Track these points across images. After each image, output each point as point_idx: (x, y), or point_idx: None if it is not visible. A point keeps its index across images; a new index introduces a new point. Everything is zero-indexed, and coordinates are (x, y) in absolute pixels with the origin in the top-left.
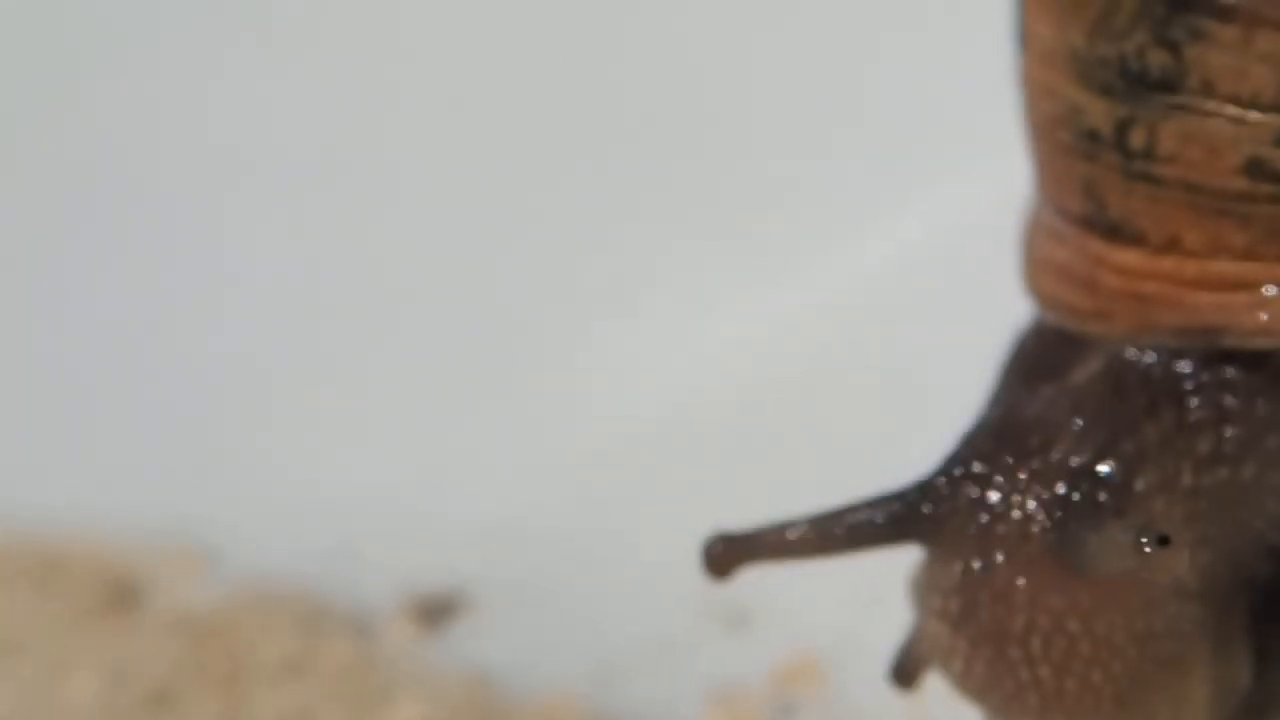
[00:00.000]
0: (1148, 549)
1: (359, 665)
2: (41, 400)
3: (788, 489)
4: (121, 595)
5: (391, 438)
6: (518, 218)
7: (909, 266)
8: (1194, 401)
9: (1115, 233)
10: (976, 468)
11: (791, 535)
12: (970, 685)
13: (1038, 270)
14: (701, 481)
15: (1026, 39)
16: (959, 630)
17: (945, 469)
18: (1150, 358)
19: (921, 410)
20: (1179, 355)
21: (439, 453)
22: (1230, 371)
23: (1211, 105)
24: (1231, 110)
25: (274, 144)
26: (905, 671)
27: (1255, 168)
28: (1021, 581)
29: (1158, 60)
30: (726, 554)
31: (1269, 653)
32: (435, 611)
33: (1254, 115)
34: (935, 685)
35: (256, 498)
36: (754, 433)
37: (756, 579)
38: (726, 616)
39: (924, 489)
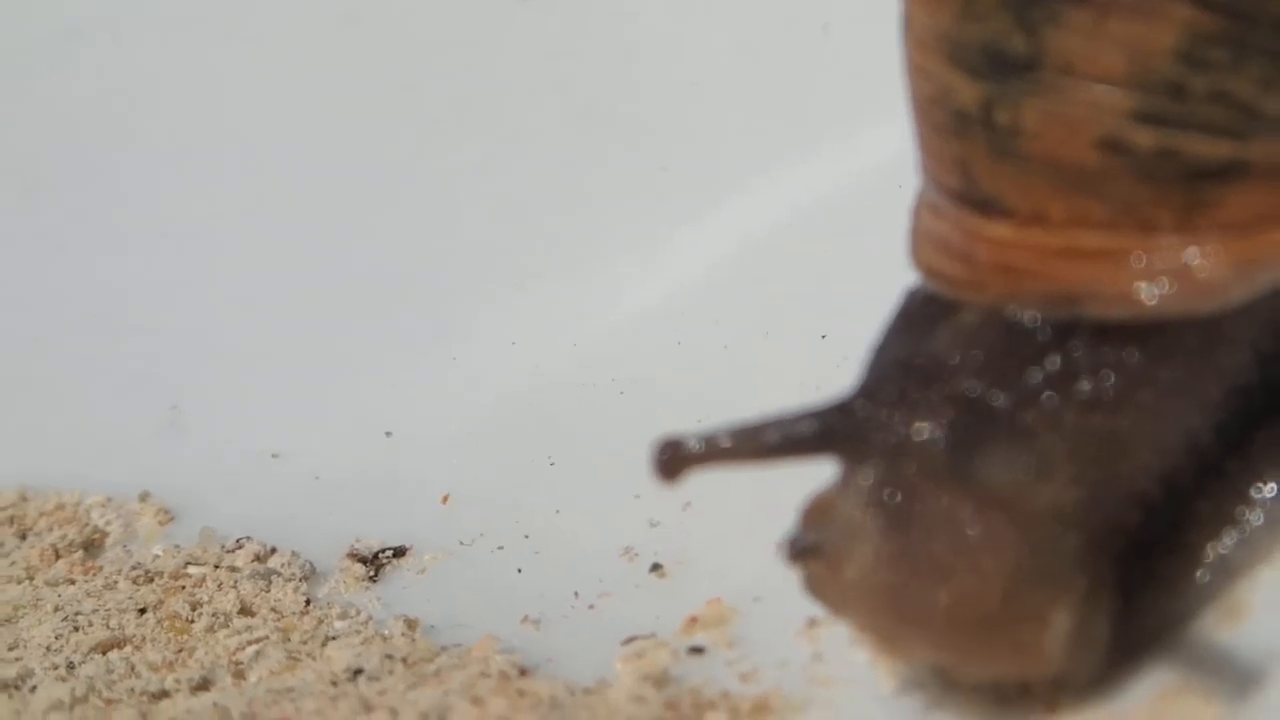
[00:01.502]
0: (1025, 474)
1: (305, 610)
2: (11, 367)
3: None
4: (84, 547)
5: (339, 407)
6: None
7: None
8: (1077, 350)
9: (987, 207)
10: (886, 394)
11: (733, 440)
12: (867, 584)
13: (919, 242)
14: (624, 443)
15: (908, 23)
16: (867, 533)
17: (861, 393)
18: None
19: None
20: None
21: (380, 419)
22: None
23: (1069, 85)
24: (1087, 90)
25: (234, 135)
26: (802, 552)
27: (1110, 144)
28: (923, 492)
29: (1018, 42)
30: (674, 458)
31: (1136, 598)
32: (377, 565)
33: (1108, 95)
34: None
35: (213, 460)
36: (676, 392)
37: (672, 538)
38: (644, 571)
39: (844, 410)
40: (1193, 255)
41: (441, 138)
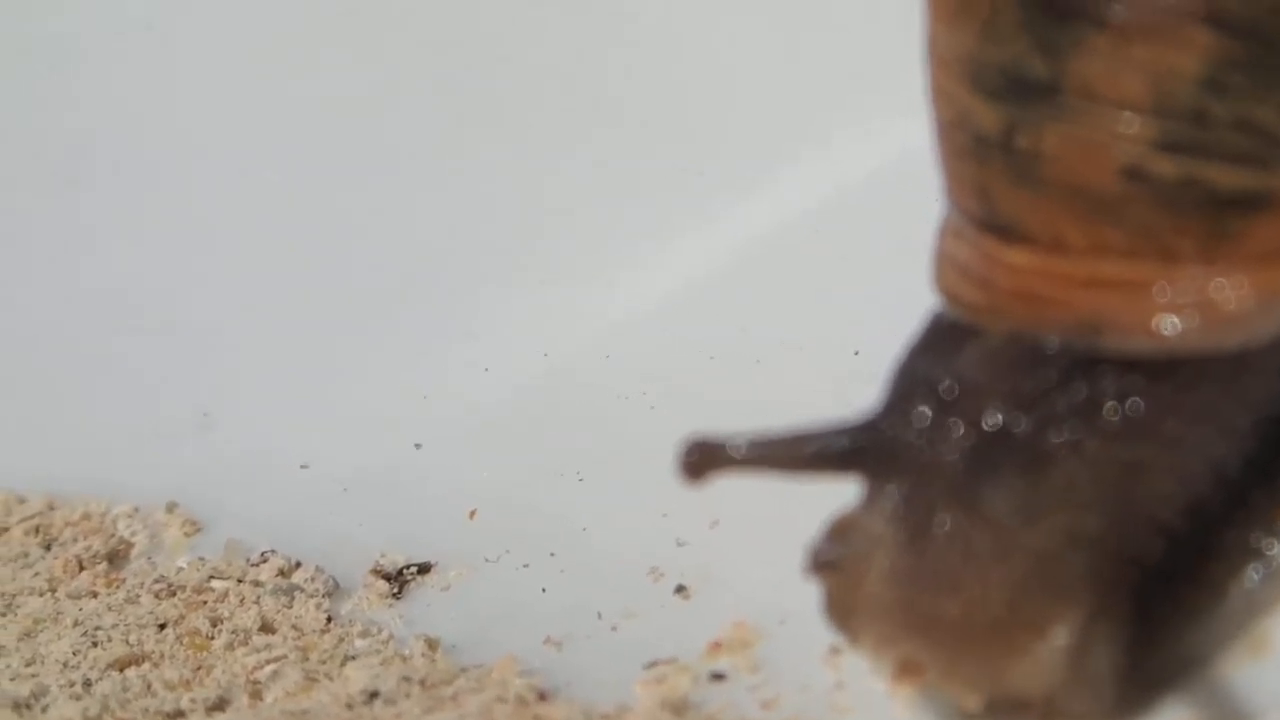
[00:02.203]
0: (1043, 500)
1: (326, 628)
2: (42, 372)
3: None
4: (109, 558)
5: (369, 417)
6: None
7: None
8: (1101, 378)
9: (1006, 232)
10: (914, 414)
11: (761, 449)
12: (882, 598)
13: (942, 266)
14: (653, 458)
15: (930, 43)
16: (886, 549)
17: (888, 412)
18: None
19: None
20: None
21: (410, 430)
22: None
23: (1090, 110)
24: (1109, 115)
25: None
26: (822, 564)
27: (1131, 171)
28: (943, 512)
29: (1039, 66)
30: (702, 460)
31: (1158, 630)
32: (401, 582)
33: (1129, 121)
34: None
35: (243, 469)
36: (707, 406)
37: (699, 558)
38: (669, 592)
39: (873, 428)
40: (1216, 287)
41: (463, 142)
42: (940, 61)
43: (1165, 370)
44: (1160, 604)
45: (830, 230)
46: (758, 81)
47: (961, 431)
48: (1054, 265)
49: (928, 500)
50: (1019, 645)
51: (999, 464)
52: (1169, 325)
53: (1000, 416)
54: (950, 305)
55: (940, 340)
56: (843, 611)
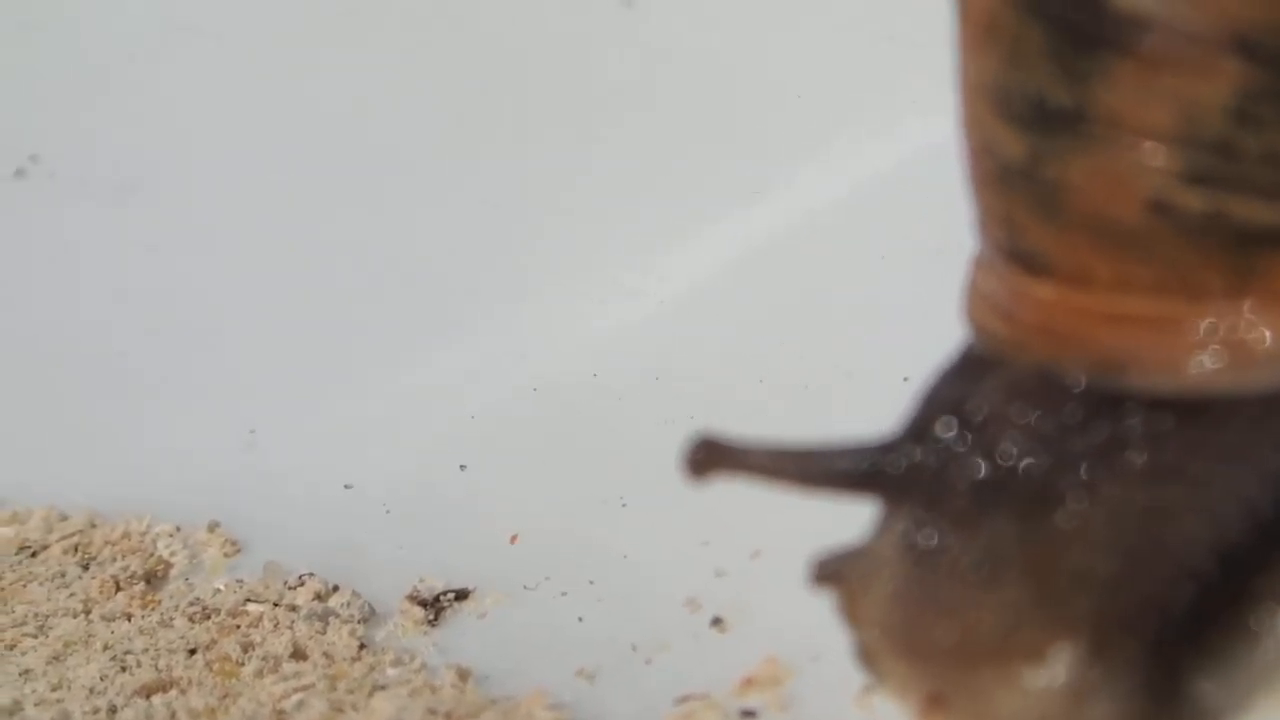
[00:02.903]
0: (1052, 538)
1: (358, 655)
2: (88, 389)
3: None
4: (146, 579)
5: (414, 437)
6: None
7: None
8: (1128, 417)
9: (1031, 264)
10: (934, 441)
11: (773, 459)
12: (882, 620)
13: (972, 296)
14: (695, 493)
15: (960, 71)
16: (892, 571)
17: (909, 436)
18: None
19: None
20: None
21: (455, 451)
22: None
23: (1116, 140)
24: (1135, 146)
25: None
26: (827, 575)
27: (1157, 204)
28: (952, 540)
29: (1064, 94)
30: (708, 458)
31: (1189, 679)
32: (438, 608)
33: (1156, 152)
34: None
35: (286, 489)
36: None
37: (737, 589)
38: (705, 624)
39: (893, 451)
40: (1246, 325)
41: (498, 158)
42: (968, 88)
43: (1194, 409)
44: (1189, 651)
45: (850, 231)
46: (768, 84)
47: (973, 463)
48: (1079, 300)
49: (934, 527)
50: (1010, 676)
51: (1004, 499)
52: (1197, 364)
53: (1015, 451)
54: (978, 337)
55: (968, 368)
56: (847, 618)
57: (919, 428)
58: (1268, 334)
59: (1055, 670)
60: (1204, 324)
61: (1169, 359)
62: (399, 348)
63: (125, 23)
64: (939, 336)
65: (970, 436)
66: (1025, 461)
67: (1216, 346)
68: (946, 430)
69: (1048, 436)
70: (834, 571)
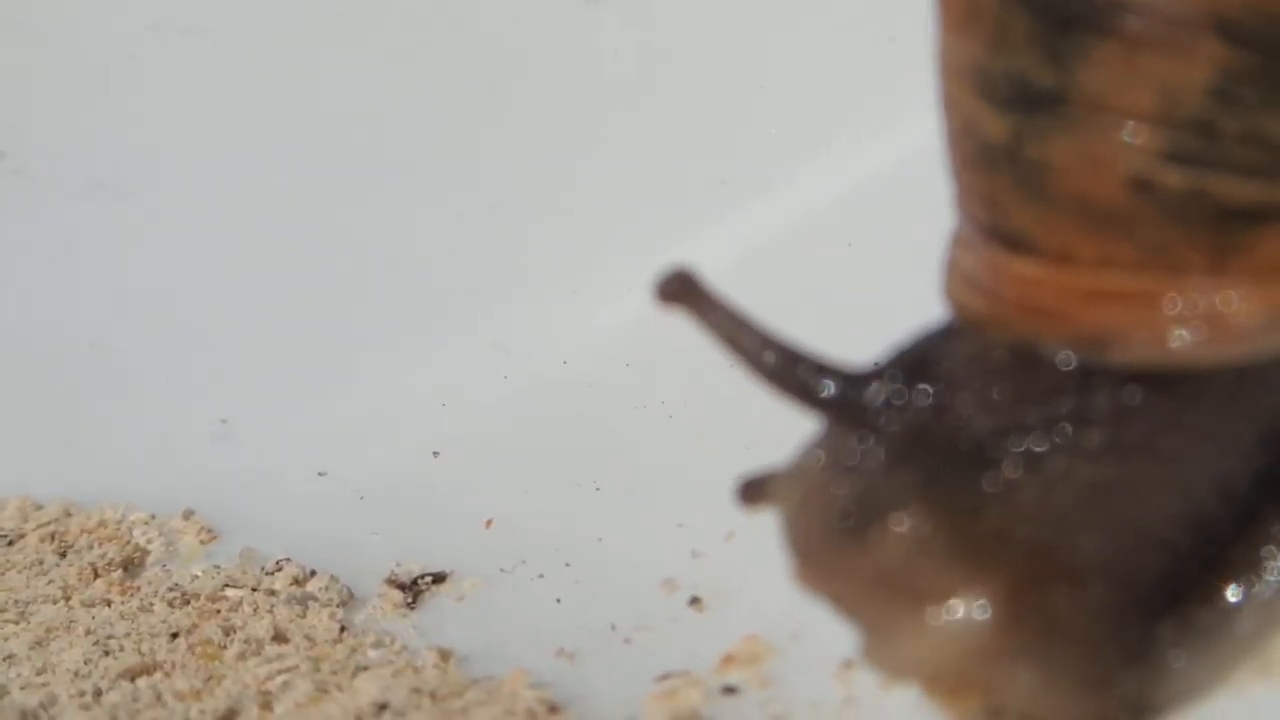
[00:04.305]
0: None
1: (339, 638)
2: (61, 379)
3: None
4: (124, 566)
5: (388, 424)
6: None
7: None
8: (1095, 393)
9: (1013, 243)
10: (886, 384)
11: (736, 329)
12: (798, 527)
13: (951, 275)
14: (671, 469)
15: (940, 51)
16: (817, 490)
17: (867, 375)
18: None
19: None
20: None
21: (428, 437)
22: (1128, 374)
23: (1098, 121)
24: (1116, 127)
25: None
26: (754, 492)
27: (1139, 183)
28: (873, 470)
29: (1046, 75)
30: (678, 289)
31: (1167, 651)
32: (415, 592)
33: (1137, 132)
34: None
35: (260, 476)
36: (725, 418)
37: (713, 569)
38: (683, 604)
39: (857, 383)
40: (1225, 300)
41: (482, 149)
42: (949, 70)
43: (1166, 385)
44: (1163, 622)
45: (849, 230)
46: (766, 84)
47: (915, 410)
48: (1061, 277)
49: (860, 455)
50: (918, 619)
51: (933, 450)
52: (1178, 339)
53: (959, 412)
54: (958, 315)
55: (948, 332)
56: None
57: (877, 370)
58: (1246, 308)
59: (964, 624)
60: (1185, 299)
61: (1150, 334)
62: (372, 337)
63: (117, 22)
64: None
65: (921, 389)
66: (967, 423)
67: (1196, 321)
68: (900, 378)
69: (997, 405)
70: (760, 491)
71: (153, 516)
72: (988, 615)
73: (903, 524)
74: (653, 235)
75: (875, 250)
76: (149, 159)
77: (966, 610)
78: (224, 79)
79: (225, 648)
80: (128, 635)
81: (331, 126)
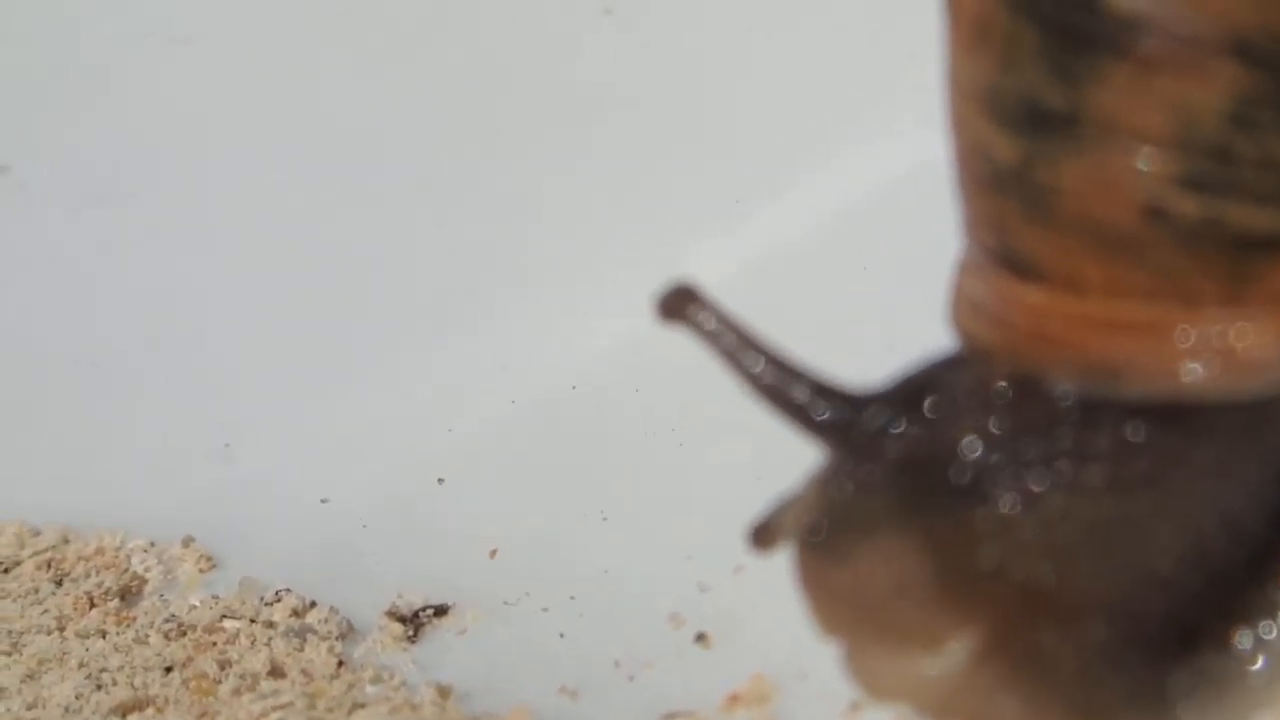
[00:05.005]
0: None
1: (337, 673)
2: (61, 402)
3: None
4: (121, 595)
5: (393, 450)
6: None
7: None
8: (1098, 429)
9: (1022, 268)
10: (894, 412)
11: (739, 349)
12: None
13: (958, 302)
14: (679, 499)
15: (950, 70)
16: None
17: (873, 401)
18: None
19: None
20: None
21: (433, 464)
22: (1135, 408)
23: (1110, 144)
24: (1129, 150)
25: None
26: (766, 535)
27: (1152, 209)
28: (864, 498)
29: (1057, 96)
30: (680, 304)
31: (1179, 697)
32: (416, 624)
33: (1150, 156)
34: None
35: (263, 502)
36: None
37: (721, 604)
38: (689, 640)
39: (856, 405)
40: (1239, 332)
41: (491, 170)
42: (958, 89)
43: (1175, 419)
44: (1182, 669)
45: (860, 242)
46: (763, 96)
47: (911, 439)
48: (1071, 305)
49: (851, 481)
50: (903, 653)
51: (927, 482)
52: (1189, 371)
53: (958, 443)
54: (964, 342)
55: (955, 361)
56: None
57: (876, 395)
58: (1260, 341)
59: (947, 659)
60: (1197, 331)
61: (1161, 366)
62: (376, 360)
63: (115, 32)
64: (936, 350)
65: (919, 417)
66: (964, 455)
67: (1209, 354)
68: (899, 404)
69: (996, 438)
70: (771, 534)
71: (152, 544)
72: (975, 656)
73: (892, 557)
74: (663, 255)
75: (870, 264)
76: (141, 173)
77: (954, 652)
78: (223, 89)
79: (220, 682)
80: (121, 668)
81: (332, 140)
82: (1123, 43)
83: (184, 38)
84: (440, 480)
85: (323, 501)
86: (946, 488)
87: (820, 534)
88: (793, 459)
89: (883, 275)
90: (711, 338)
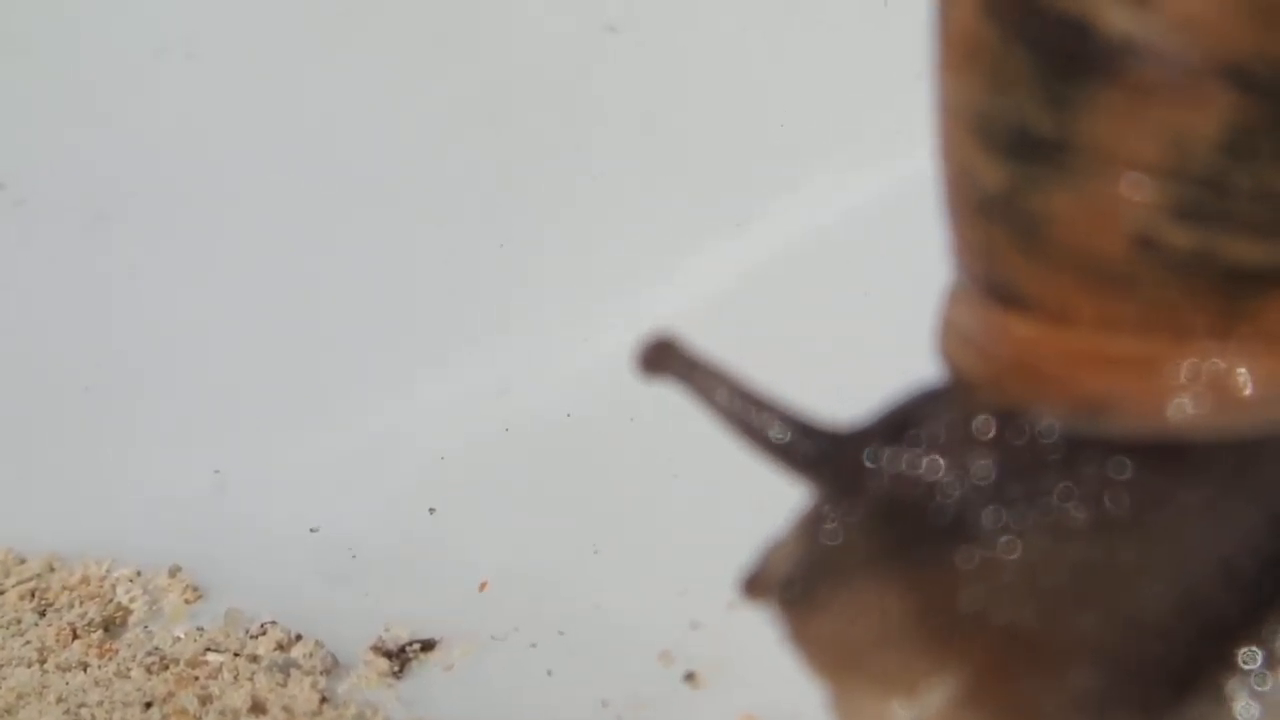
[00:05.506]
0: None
1: (319, 710)
2: (50, 429)
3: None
4: (104, 626)
5: (383, 479)
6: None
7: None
8: (1082, 468)
9: (1010, 298)
10: (874, 448)
11: (720, 392)
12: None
13: (945, 330)
14: (672, 533)
15: (939, 93)
16: (795, 562)
17: (860, 435)
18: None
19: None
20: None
21: (424, 494)
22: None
23: (1100, 173)
24: (1120, 179)
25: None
26: (757, 586)
27: (1143, 240)
28: (844, 539)
29: (1047, 121)
30: (659, 358)
31: None
32: (403, 660)
33: (1142, 185)
34: None
35: (251, 531)
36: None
37: (712, 642)
38: (684, 679)
39: (840, 443)
40: (1231, 368)
41: (486, 189)
42: (947, 113)
43: (1163, 458)
44: (1164, 714)
45: (844, 266)
46: (750, 117)
47: (892, 477)
48: (1059, 338)
49: (834, 523)
50: (880, 697)
51: (908, 522)
52: (1178, 408)
53: (939, 481)
54: (952, 372)
55: (940, 394)
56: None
57: (859, 430)
58: (1253, 378)
59: (925, 705)
60: (1187, 365)
61: (1150, 401)
62: (367, 389)
63: (110, 46)
64: (924, 372)
65: (900, 453)
66: (945, 493)
67: (1200, 390)
68: (879, 440)
69: (978, 475)
70: (762, 584)
71: (138, 573)
72: (956, 702)
73: (872, 601)
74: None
75: (859, 286)
76: (136, 199)
77: (934, 697)
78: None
79: (200, 719)
80: (100, 704)
81: (329, 167)
82: (1115, 68)
83: (184, 53)
84: (431, 510)
85: (312, 530)
86: (926, 527)
87: (795, 588)
88: (788, 493)
89: (877, 299)
90: (691, 385)
